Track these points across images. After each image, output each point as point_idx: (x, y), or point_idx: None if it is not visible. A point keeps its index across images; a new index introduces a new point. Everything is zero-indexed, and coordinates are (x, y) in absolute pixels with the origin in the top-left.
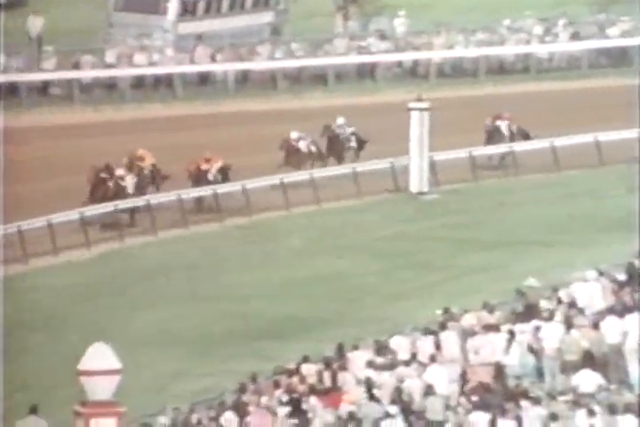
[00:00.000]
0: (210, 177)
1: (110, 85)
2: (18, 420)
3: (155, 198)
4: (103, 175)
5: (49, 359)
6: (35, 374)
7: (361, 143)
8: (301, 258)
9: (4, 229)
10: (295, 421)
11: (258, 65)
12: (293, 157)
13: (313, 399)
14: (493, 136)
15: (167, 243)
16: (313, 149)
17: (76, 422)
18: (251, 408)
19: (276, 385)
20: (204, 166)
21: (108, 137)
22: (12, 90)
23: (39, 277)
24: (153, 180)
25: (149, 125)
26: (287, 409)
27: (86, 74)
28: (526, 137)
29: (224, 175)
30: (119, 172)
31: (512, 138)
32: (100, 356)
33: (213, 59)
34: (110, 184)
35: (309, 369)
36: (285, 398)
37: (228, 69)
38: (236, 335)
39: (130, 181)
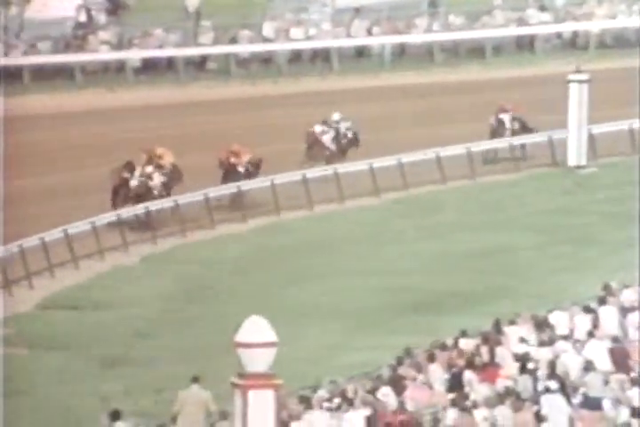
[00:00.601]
0: None
1: (267, 60)
2: (180, 390)
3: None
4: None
5: (208, 331)
6: (195, 344)
7: None
8: (458, 232)
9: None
10: (453, 395)
11: (415, 38)
12: None
13: (469, 374)
14: None
15: (322, 217)
16: None
17: (234, 394)
18: (408, 382)
19: (433, 359)
20: None
21: (266, 111)
22: (169, 64)
23: (198, 249)
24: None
25: (306, 99)
26: (445, 384)
27: (243, 48)
28: None
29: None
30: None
31: None
32: (256, 328)
33: (370, 32)
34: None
35: (467, 344)
36: (444, 372)
37: (385, 43)
38: (393, 309)
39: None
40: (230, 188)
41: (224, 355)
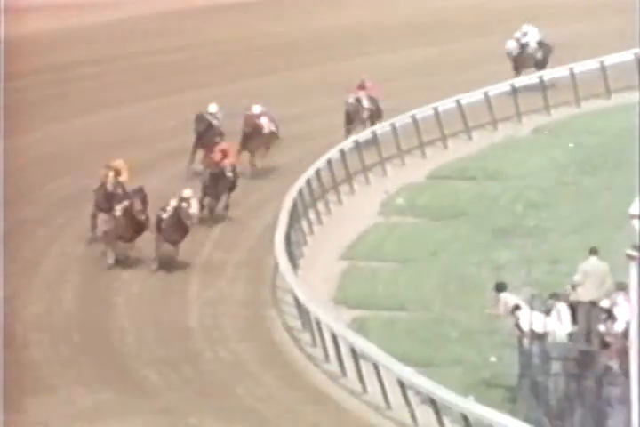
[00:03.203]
0: None
1: None
2: (580, 262)
3: None
4: None
5: (602, 202)
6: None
7: None
8: None
9: None
10: None
11: None
12: None
13: None
14: None
15: None
16: None
17: (629, 265)
18: None
19: None
20: None
21: None
22: None
23: (593, 119)
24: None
25: None
26: None
27: None
28: None
29: None
30: None
31: None
32: None
33: None
34: None
35: None
36: None
37: None
38: None
39: None
40: None
41: (618, 227)
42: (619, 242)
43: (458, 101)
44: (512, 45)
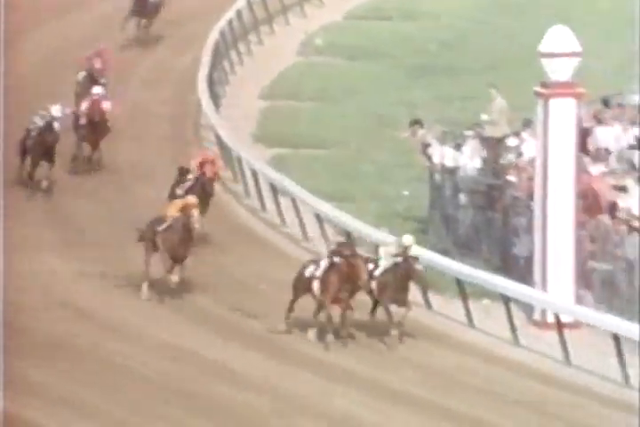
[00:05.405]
0: None
1: None
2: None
3: None
4: None
5: (513, 42)
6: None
7: None
8: None
9: None
10: None
11: None
12: None
13: None
14: None
15: None
16: None
17: (537, 102)
18: None
19: None
20: None
21: None
22: None
23: None
24: None
25: None
26: None
27: None
28: None
29: None
30: None
31: None
32: (560, 39)
33: None
34: None
35: None
36: None
37: None
38: None
39: None
40: None
41: (527, 65)
42: (528, 80)
43: None
44: None
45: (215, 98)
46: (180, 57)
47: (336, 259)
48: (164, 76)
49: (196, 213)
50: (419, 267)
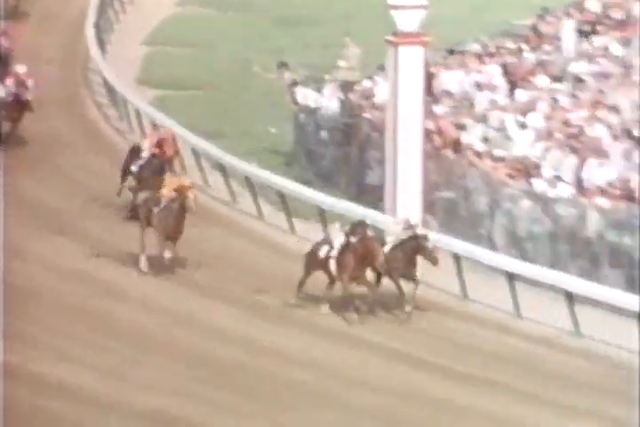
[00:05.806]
0: None
1: None
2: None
3: None
4: None
5: None
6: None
7: None
8: None
9: None
10: None
11: None
12: None
13: None
14: None
15: None
16: None
17: (387, 51)
18: None
19: None
20: None
21: None
22: None
23: None
24: None
25: None
26: None
27: None
28: None
29: None
30: None
31: None
32: None
33: None
34: None
35: None
36: None
37: None
38: None
39: None
40: None
41: (380, 16)
42: (380, 29)
43: None
44: None
45: (102, 44)
46: (66, 10)
47: (352, 239)
48: (53, 25)
49: (191, 194)
50: (428, 244)
